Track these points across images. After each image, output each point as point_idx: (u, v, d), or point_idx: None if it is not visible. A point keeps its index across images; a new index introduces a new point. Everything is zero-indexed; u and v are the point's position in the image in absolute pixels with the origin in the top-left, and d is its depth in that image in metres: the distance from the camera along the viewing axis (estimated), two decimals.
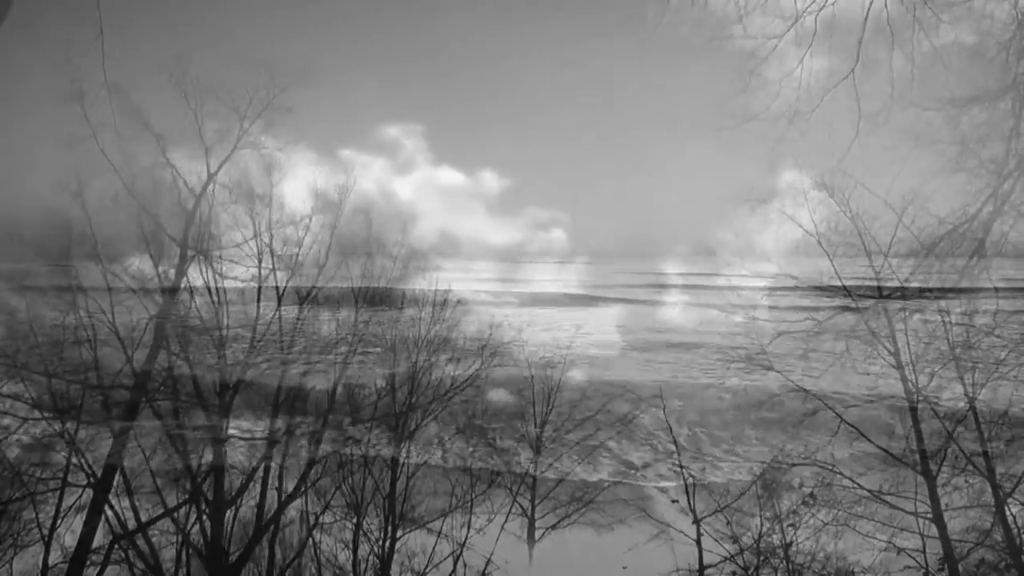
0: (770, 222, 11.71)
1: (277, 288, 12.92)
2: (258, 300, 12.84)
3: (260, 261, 13.06)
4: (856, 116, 6.94)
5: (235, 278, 13.00)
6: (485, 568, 13.27)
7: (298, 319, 13.06)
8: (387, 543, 12.42)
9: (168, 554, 12.52)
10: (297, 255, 13.26)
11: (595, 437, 16.52)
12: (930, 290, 10.35)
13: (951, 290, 10.13)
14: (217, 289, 12.86)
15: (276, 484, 12.74)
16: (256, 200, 13.18)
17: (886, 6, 6.67)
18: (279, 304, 12.74)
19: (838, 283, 11.65)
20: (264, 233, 13.09)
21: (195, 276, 12.74)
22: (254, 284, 13.04)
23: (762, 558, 12.04)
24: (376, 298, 14.30)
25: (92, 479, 11.82)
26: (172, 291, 12.47)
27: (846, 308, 11.83)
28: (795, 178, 11.42)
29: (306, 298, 13.30)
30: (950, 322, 11.55)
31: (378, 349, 13.79)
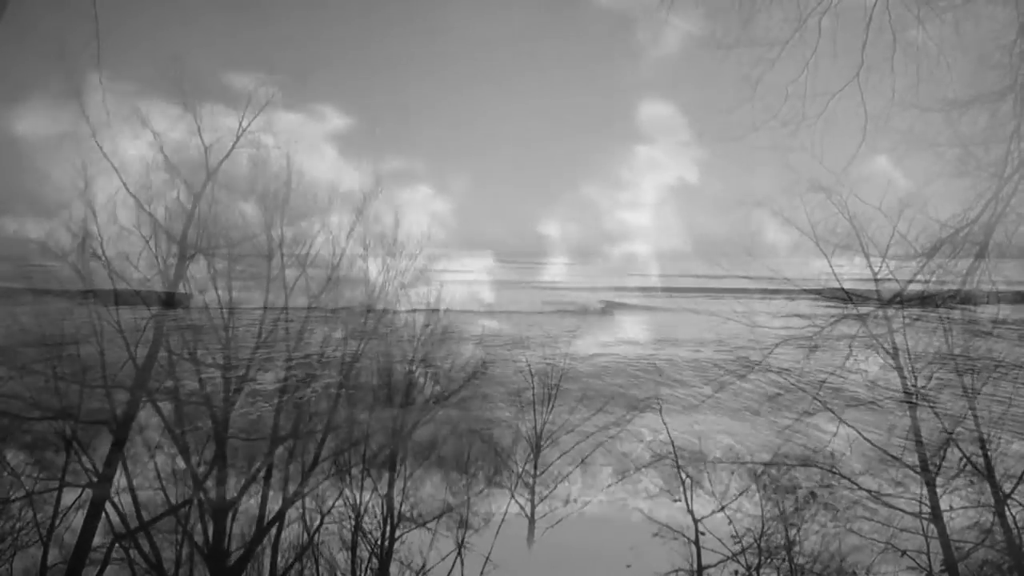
0: (767, 223, 11.71)
1: (284, 285, 12.90)
2: (265, 298, 12.82)
3: (270, 259, 13.03)
4: (861, 120, 6.94)
5: (237, 276, 12.98)
6: (483, 567, 13.29)
7: (305, 317, 13.04)
8: (385, 543, 12.43)
9: (169, 553, 12.54)
10: (307, 252, 13.22)
11: (595, 437, 16.53)
12: (931, 294, 10.37)
13: (952, 290, 10.14)
14: (218, 289, 12.83)
15: (279, 484, 12.75)
16: (258, 198, 13.13)
17: (888, 8, 6.67)
18: (286, 301, 12.72)
19: (838, 285, 11.67)
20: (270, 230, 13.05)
21: (196, 275, 12.71)
22: (255, 282, 13.02)
23: (763, 557, 12.07)
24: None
25: (92, 479, 11.82)
26: (172, 290, 12.45)
27: (845, 310, 11.84)
28: (797, 182, 11.42)
29: (315, 298, 13.25)
30: (950, 323, 11.57)
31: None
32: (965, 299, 10.20)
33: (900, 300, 10.96)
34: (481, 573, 13.38)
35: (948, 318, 11.21)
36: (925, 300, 10.66)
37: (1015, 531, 10.76)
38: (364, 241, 13.40)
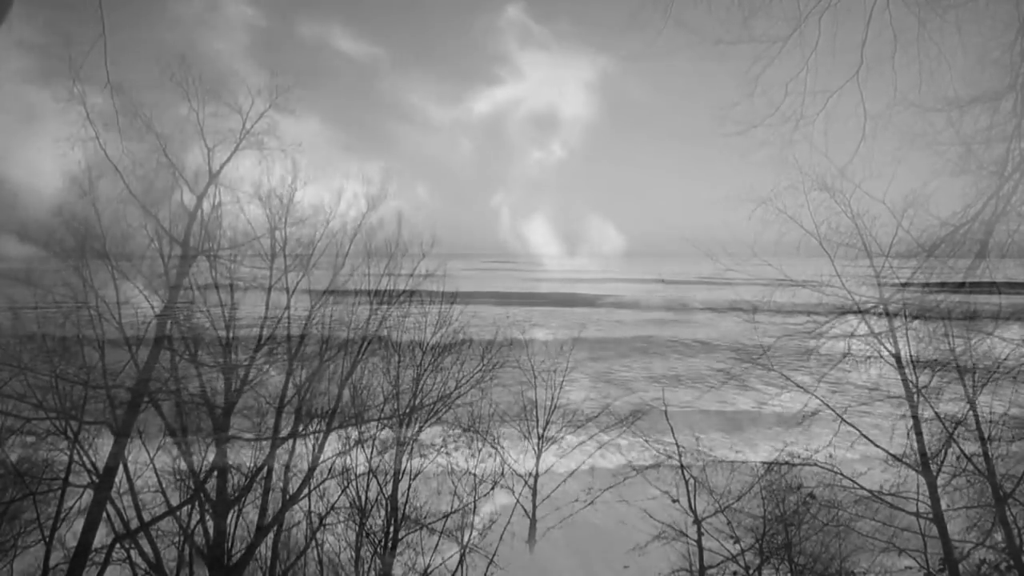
0: (770, 223, 11.70)
1: (287, 288, 12.91)
2: (267, 300, 12.83)
3: (272, 260, 13.04)
4: (861, 118, 6.96)
5: (239, 278, 13.00)
6: (487, 568, 13.31)
7: (308, 319, 13.04)
8: (389, 544, 12.43)
9: (170, 554, 12.51)
10: (311, 254, 13.20)
11: (598, 438, 16.57)
12: (931, 290, 10.39)
13: (952, 289, 10.17)
14: (221, 290, 12.85)
15: (280, 485, 12.72)
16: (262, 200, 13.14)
17: (888, 7, 6.71)
18: (288, 304, 12.72)
19: (839, 284, 11.66)
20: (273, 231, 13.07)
21: (199, 276, 12.73)
22: (257, 284, 13.03)
23: (764, 557, 12.09)
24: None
25: (94, 479, 11.81)
26: (175, 291, 12.47)
27: (847, 309, 11.83)
28: (796, 179, 11.42)
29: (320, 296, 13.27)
30: (951, 323, 11.57)
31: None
32: (966, 297, 10.22)
33: (902, 300, 10.97)
34: (485, 573, 13.42)
35: (948, 316, 11.21)
36: (925, 297, 10.69)
37: (1015, 531, 10.78)
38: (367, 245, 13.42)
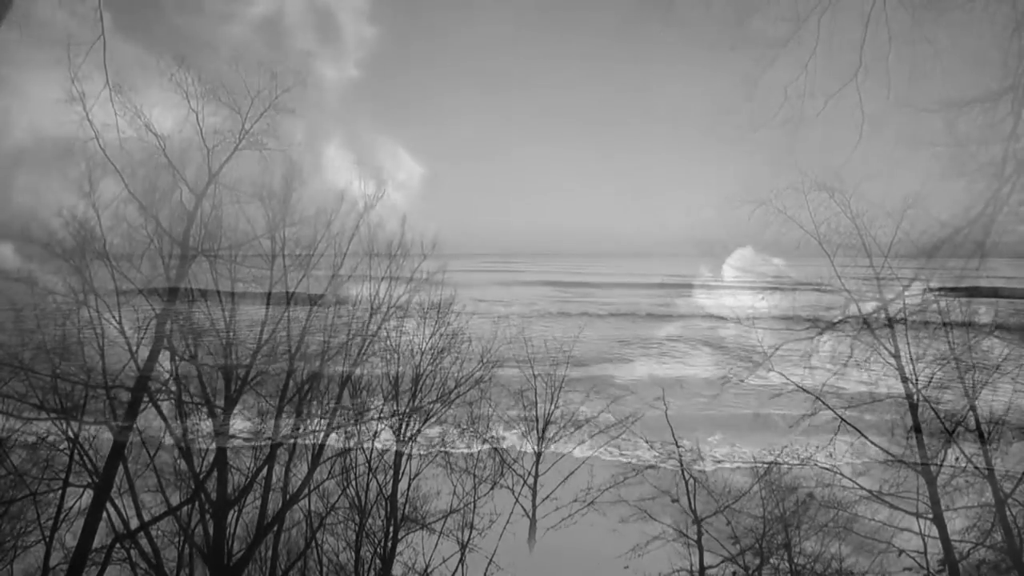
0: (770, 223, 11.71)
1: (287, 287, 12.92)
2: (267, 301, 12.83)
3: (272, 261, 13.05)
4: (859, 119, 6.98)
5: (239, 279, 13.00)
6: (487, 568, 13.30)
7: (307, 320, 13.05)
8: (389, 544, 12.44)
9: (170, 554, 12.53)
10: (311, 255, 13.22)
11: (598, 438, 16.55)
12: (931, 290, 10.42)
13: (951, 290, 10.19)
14: (221, 290, 12.85)
15: (280, 485, 12.73)
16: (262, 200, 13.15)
17: (885, 8, 6.72)
18: (288, 304, 12.73)
19: (838, 284, 11.69)
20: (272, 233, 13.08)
21: (199, 276, 12.73)
22: (257, 284, 13.05)
23: (764, 558, 12.07)
24: None
25: (94, 479, 11.82)
26: (174, 291, 12.47)
27: (847, 309, 11.86)
28: (796, 181, 11.44)
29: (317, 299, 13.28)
30: (950, 323, 11.57)
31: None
32: (965, 297, 10.25)
33: (902, 300, 11.00)
34: (484, 574, 13.42)
35: (948, 316, 11.23)
36: (925, 297, 10.72)
37: (1015, 531, 10.77)
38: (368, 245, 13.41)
